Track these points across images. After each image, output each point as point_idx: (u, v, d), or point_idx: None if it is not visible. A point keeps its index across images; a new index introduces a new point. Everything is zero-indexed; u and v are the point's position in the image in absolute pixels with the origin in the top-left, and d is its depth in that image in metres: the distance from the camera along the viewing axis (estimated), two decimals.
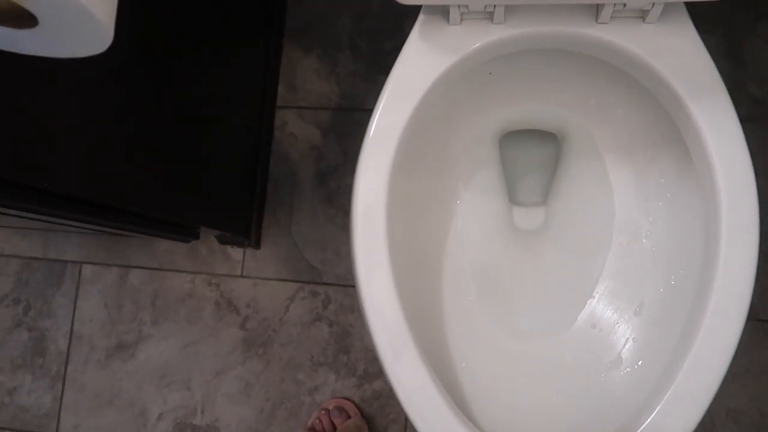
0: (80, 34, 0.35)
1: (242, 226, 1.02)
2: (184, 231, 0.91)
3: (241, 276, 1.06)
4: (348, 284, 1.03)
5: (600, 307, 0.69)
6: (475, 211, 0.73)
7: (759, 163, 0.93)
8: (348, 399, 0.98)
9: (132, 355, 1.06)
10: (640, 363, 0.63)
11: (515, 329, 0.72)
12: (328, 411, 0.94)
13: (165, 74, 0.73)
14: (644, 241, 0.67)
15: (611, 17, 0.57)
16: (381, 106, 0.60)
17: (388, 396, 0.99)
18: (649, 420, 0.53)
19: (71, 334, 1.09)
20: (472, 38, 0.58)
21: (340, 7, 1.10)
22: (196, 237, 0.97)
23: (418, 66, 0.59)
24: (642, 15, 0.57)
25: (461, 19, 0.58)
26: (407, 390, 0.54)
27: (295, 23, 1.11)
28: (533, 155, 0.80)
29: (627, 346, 0.65)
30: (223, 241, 1.05)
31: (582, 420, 0.63)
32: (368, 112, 0.59)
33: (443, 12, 0.59)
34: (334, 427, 0.92)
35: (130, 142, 0.67)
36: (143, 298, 1.08)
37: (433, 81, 0.59)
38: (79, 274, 1.10)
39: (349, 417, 0.93)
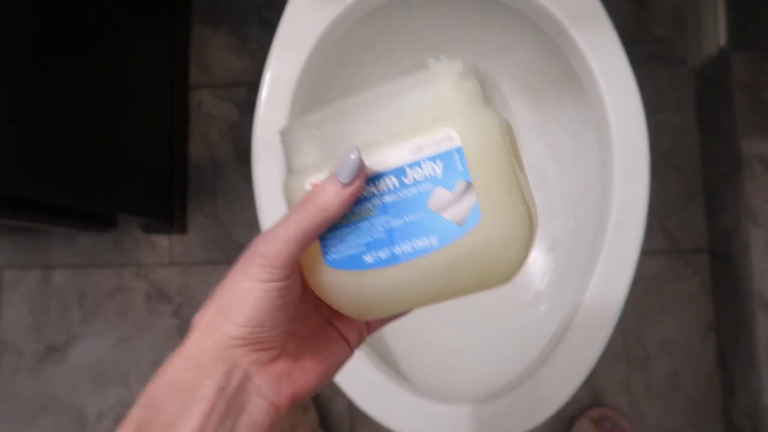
0: None
1: (165, 212, 0.99)
2: (97, 220, 0.87)
3: (170, 264, 1.03)
4: None
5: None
6: None
7: (666, 99, 0.96)
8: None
9: (63, 358, 1.03)
10: (556, 296, 0.64)
11: None
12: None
13: (61, 56, 0.69)
14: (552, 176, 0.68)
15: None
16: (271, 61, 0.59)
17: None
18: (559, 348, 0.53)
19: None
20: None
21: None
22: (113, 225, 0.94)
23: (307, 15, 0.58)
24: None
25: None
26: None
27: (201, 1, 1.08)
28: None
29: (545, 282, 0.66)
30: (147, 229, 1.02)
31: (506, 360, 0.64)
32: None
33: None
34: None
35: (27, 129, 0.63)
36: (69, 298, 1.04)
37: (323, 30, 0.58)
38: (0, 280, 1.05)
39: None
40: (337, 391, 0.97)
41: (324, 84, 0.63)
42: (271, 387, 0.28)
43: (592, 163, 0.63)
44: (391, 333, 0.63)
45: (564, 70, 0.63)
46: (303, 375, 0.29)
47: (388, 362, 0.59)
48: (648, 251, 0.95)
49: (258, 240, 0.28)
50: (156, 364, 1.00)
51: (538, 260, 0.68)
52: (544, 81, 0.68)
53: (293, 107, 0.58)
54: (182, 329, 1.01)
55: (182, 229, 1.03)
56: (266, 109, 0.59)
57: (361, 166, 0.27)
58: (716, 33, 0.87)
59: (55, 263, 1.05)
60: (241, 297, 0.27)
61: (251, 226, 1.02)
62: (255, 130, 0.57)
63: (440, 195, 0.27)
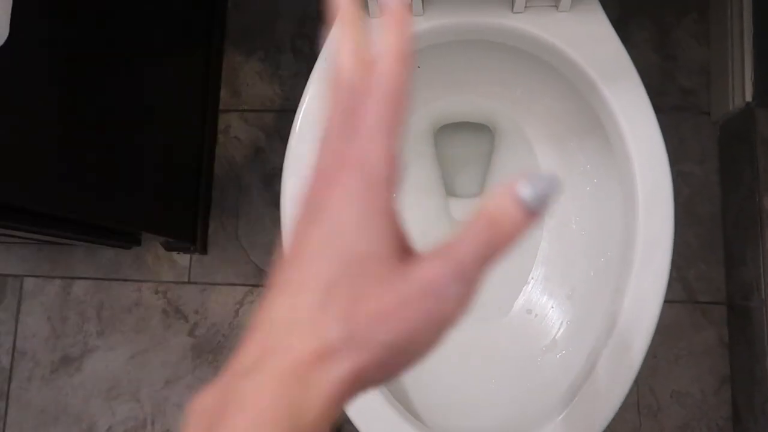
0: None
1: (188, 232, 1.01)
2: (124, 237, 0.89)
3: (189, 282, 1.04)
4: None
5: (535, 293, 0.70)
6: (412, 207, 0.74)
7: (689, 149, 0.97)
8: None
9: (78, 369, 1.04)
10: (573, 346, 0.65)
11: None
12: None
13: (96, 77, 0.72)
14: (573, 226, 0.68)
15: (525, 6, 0.58)
16: (306, 101, 0.60)
17: None
18: (576, 400, 0.54)
19: (14, 350, 1.06)
20: None
21: (280, 11, 1.10)
22: (138, 243, 0.96)
23: None
24: (555, 3, 0.58)
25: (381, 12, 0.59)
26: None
27: (237, 28, 1.11)
28: (469, 147, 0.81)
29: (561, 330, 0.67)
30: (169, 247, 1.04)
31: (517, 406, 0.64)
32: None
33: (363, 5, 0.59)
34: None
35: (64, 147, 0.65)
36: (88, 310, 1.05)
37: None
38: (21, 288, 1.07)
39: None
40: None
41: None
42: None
43: (614, 213, 0.64)
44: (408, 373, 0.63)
45: (589, 120, 0.64)
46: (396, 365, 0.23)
47: (402, 402, 0.59)
48: (665, 300, 0.95)
49: None
50: (169, 381, 1.02)
51: (555, 307, 0.68)
52: (570, 129, 0.69)
53: None
54: (197, 348, 1.02)
55: (203, 249, 1.04)
56: (301, 131, 0.60)
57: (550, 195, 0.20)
58: (742, 87, 0.87)
59: (77, 275, 1.07)
60: (417, 347, 0.21)
61: (271, 250, 1.04)
62: (284, 190, 0.58)
63: None
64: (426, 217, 0.75)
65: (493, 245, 0.20)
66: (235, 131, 1.08)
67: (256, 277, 1.03)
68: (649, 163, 0.55)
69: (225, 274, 1.04)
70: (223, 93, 1.09)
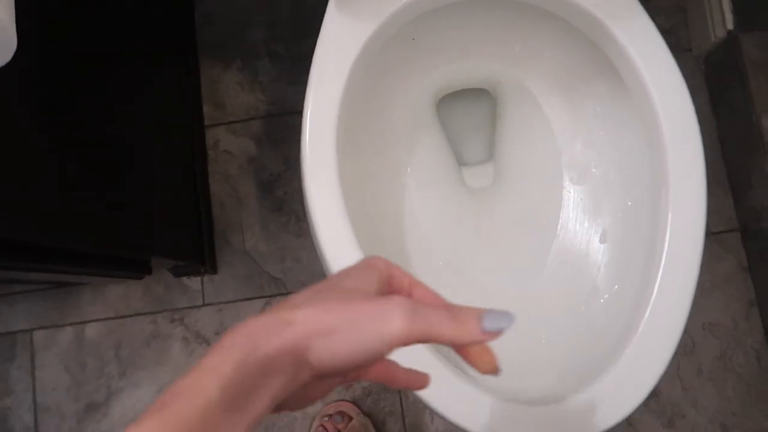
0: None
1: (195, 253, 0.99)
2: (135, 266, 0.86)
3: (204, 305, 1.02)
4: None
5: (565, 244, 0.70)
6: (425, 179, 0.73)
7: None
8: (345, 401, 0.95)
9: (105, 414, 1.00)
10: (616, 287, 0.64)
11: (488, 288, 0.72)
12: (330, 417, 0.91)
13: (79, 107, 0.69)
14: (594, 170, 0.68)
15: None
16: (312, 91, 0.59)
17: (378, 391, 0.97)
18: (633, 343, 0.53)
19: (35, 407, 1.02)
20: (389, 1, 0.58)
21: (250, 18, 1.09)
22: (149, 272, 0.93)
23: (341, 40, 0.59)
24: None
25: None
26: None
27: (209, 41, 1.09)
28: (472, 114, 0.80)
29: (600, 274, 0.66)
30: (177, 273, 1.01)
31: (571, 359, 0.63)
32: (299, 114, 0.57)
33: None
34: None
35: (62, 178, 0.63)
36: (106, 351, 1.02)
37: (358, 52, 0.58)
38: (31, 342, 1.03)
39: (351, 419, 0.91)
40: (389, 413, 0.96)
41: (359, 105, 0.63)
42: (292, 400, 0.27)
43: (635, 152, 0.64)
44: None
45: (596, 63, 0.64)
46: (312, 395, 0.29)
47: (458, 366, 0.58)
48: None
49: (409, 302, 0.27)
50: None
51: (589, 253, 0.68)
52: (575, 77, 0.69)
53: (338, 134, 0.58)
54: None
55: (213, 268, 1.02)
56: (313, 138, 0.58)
57: (504, 330, 0.27)
58: (722, 17, 0.89)
59: (88, 318, 1.03)
60: (357, 338, 0.26)
61: (282, 257, 1.02)
62: (307, 181, 0.56)
63: None
64: (440, 187, 0.74)
65: (446, 331, 0.26)
66: (224, 145, 1.06)
67: (271, 286, 1.01)
68: (669, 95, 0.56)
69: (239, 289, 1.02)
70: (207, 108, 1.07)
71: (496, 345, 0.68)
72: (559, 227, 0.70)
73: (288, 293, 1.01)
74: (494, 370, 0.29)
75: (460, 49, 0.71)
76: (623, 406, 0.52)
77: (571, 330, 0.66)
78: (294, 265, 1.01)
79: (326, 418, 0.92)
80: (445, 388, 0.53)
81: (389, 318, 0.25)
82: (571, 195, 0.70)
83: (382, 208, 0.69)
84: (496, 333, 0.26)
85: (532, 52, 0.70)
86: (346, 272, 0.29)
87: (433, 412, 0.57)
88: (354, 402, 0.96)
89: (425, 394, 0.53)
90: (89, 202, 0.68)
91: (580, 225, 0.69)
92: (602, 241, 0.67)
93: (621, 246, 0.65)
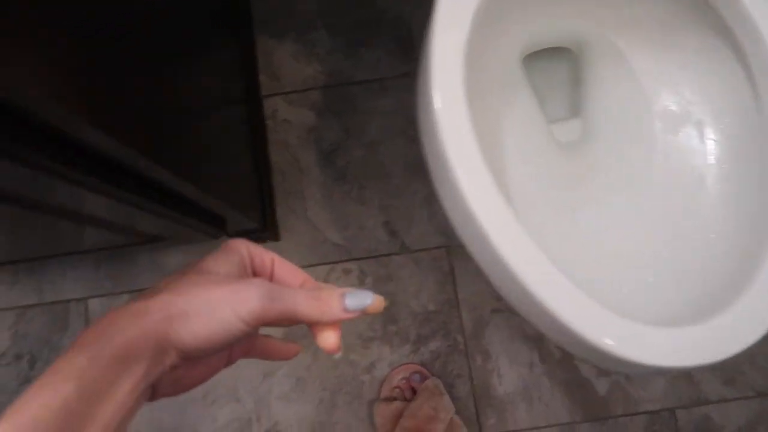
0: None
1: (258, 222, 0.98)
2: (214, 219, 0.85)
3: None
4: (380, 254, 1.01)
5: (666, 187, 0.72)
6: (520, 131, 0.75)
7: None
8: (413, 363, 0.96)
9: None
10: (728, 228, 0.66)
11: (591, 229, 0.73)
12: (406, 378, 0.92)
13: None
14: (686, 117, 0.71)
15: None
16: (436, 33, 0.60)
17: (446, 353, 0.98)
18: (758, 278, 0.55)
19: None
20: None
21: None
22: (224, 230, 0.92)
23: None
24: None
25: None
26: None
27: (262, 13, 1.09)
28: (551, 73, 0.83)
29: (703, 214, 0.69)
30: None
31: (691, 281, 0.64)
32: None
33: None
34: (414, 391, 0.90)
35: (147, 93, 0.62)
36: None
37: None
38: (86, 310, 1.01)
39: (426, 378, 0.92)
40: (458, 376, 0.97)
41: (473, 52, 0.65)
42: (166, 386, 0.29)
43: (728, 97, 0.67)
44: (579, 263, 0.63)
45: (681, 15, 0.67)
46: (189, 380, 0.30)
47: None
48: None
49: (265, 283, 0.29)
50: (266, 374, 0.98)
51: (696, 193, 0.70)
52: (661, 29, 0.72)
53: (465, 75, 0.59)
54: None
55: (275, 236, 1.02)
56: (443, 84, 0.59)
57: (365, 308, 0.30)
58: None
59: (144, 286, 1.01)
60: (216, 318, 0.28)
61: (346, 225, 1.02)
62: (437, 117, 0.57)
63: None
64: (534, 140, 0.76)
65: (307, 310, 0.29)
66: (282, 114, 1.06)
67: (335, 254, 1.02)
68: None
69: (302, 256, 1.02)
70: (262, 79, 1.07)
71: (603, 269, 0.67)
72: (653, 177, 0.73)
73: (352, 260, 1.01)
74: (336, 350, 0.31)
75: (560, 4, 0.73)
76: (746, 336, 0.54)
77: (681, 272, 0.68)
78: (358, 232, 1.02)
79: (403, 380, 0.92)
80: (576, 305, 0.54)
81: (245, 298, 0.27)
82: (665, 142, 0.73)
83: (490, 151, 0.71)
84: (358, 311, 0.29)
85: (622, 7, 0.73)
86: (211, 256, 0.31)
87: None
88: (422, 364, 0.96)
89: (556, 307, 0.53)
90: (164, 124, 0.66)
91: (674, 175, 0.72)
92: (700, 187, 0.70)
93: (726, 187, 0.68)
